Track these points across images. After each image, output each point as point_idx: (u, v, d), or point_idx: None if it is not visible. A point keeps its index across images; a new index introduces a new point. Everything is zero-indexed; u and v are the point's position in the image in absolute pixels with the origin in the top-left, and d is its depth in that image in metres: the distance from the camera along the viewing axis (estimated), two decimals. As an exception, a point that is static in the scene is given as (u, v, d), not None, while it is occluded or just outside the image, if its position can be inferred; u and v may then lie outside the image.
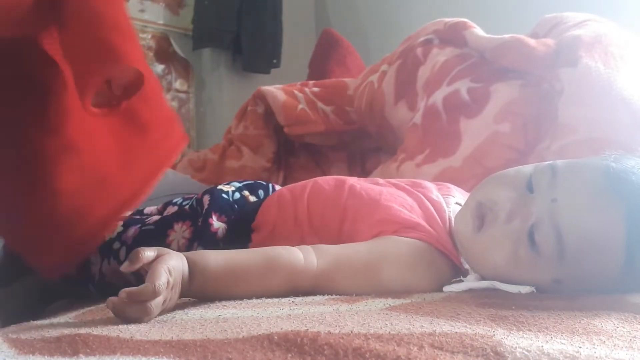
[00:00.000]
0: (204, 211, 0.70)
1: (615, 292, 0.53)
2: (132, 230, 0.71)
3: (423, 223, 0.61)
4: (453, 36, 1.15)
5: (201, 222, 0.69)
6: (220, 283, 0.53)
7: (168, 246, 0.68)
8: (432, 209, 0.64)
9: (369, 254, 0.59)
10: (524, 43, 1.00)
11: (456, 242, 0.62)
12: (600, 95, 0.89)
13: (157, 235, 0.69)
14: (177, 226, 0.69)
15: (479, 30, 1.12)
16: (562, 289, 0.55)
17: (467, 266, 0.60)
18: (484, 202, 0.59)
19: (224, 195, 0.71)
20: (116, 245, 0.70)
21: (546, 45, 0.99)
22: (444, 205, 0.66)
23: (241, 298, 0.53)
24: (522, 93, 0.99)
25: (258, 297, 0.54)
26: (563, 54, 0.96)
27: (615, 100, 0.88)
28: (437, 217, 0.64)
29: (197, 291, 0.53)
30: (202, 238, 0.68)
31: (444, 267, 0.60)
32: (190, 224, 0.69)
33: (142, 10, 2.26)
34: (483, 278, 0.59)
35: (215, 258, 0.54)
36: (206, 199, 0.72)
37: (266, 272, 0.55)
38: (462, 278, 0.60)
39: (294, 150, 1.44)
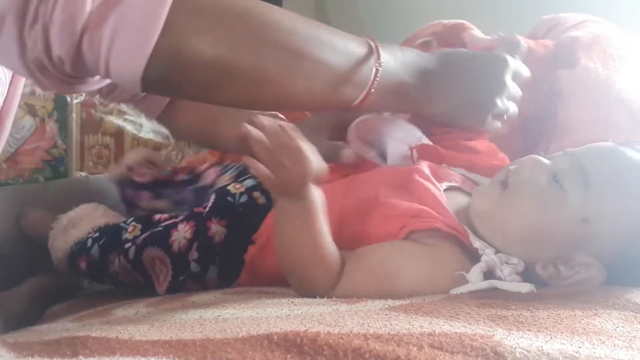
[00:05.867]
0: (204, 213, 0.70)
1: None
2: (146, 233, 0.71)
3: (426, 208, 0.60)
4: (451, 38, 1.15)
5: (201, 224, 0.68)
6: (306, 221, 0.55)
7: (170, 246, 0.68)
8: (432, 189, 0.63)
9: (386, 265, 0.57)
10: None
11: (471, 219, 0.61)
12: (599, 97, 0.90)
13: (163, 234, 0.69)
14: (181, 226, 0.69)
15: (477, 32, 1.12)
16: (590, 234, 0.56)
17: (476, 245, 0.58)
18: (504, 171, 0.61)
19: (229, 198, 0.70)
20: (128, 244, 0.71)
21: (545, 46, 0.99)
22: (440, 188, 0.64)
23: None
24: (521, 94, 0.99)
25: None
26: (562, 55, 0.96)
27: (614, 101, 0.88)
28: (437, 196, 0.62)
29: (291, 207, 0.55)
30: (200, 240, 0.68)
31: (455, 258, 0.58)
32: (194, 224, 0.69)
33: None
34: (496, 251, 0.57)
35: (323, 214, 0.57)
36: (211, 198, 0.71)
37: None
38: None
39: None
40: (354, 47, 0.59)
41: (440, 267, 0.57)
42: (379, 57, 0.59)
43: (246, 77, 0.54)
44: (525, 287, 0.53)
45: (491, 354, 0.35)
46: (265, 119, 0.55)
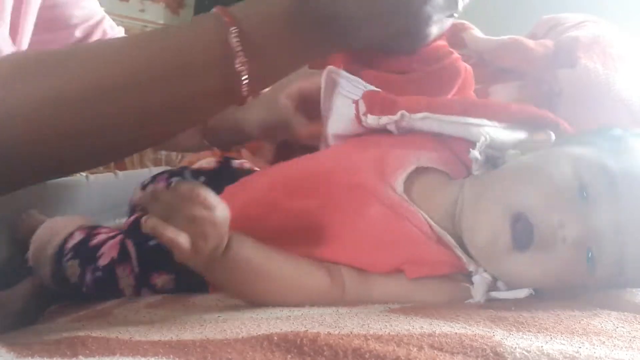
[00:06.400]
0: (136, 268, 0.64)
1: None
2: (87, 276, 0.67)
3: (404, 255, 0.54)
4: (451, 38, 1.14)
5: (143, 280, 0.64)
6: (249, 266, 0.51)
7: (121, 292, 0.65)
8: (405, 222, 0.54)
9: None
10: (523, 44, 1.00)
11: (468, 248, 0.54)
12: (599, 96, 0.90)
13: (109, 280, 0.65)
14: (120, 270, 0.65)
15: (477, 32, 1.12)
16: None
17: (471, 269, 0.54)
18: (525, 214, 0.49)
19: (151, 243, 0.62)
20: (84, 289, 0.68)
21: (545, 46, 0.99)
22: (407, 201, 0.55)
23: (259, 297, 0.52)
24: (521, 94, 0.99)
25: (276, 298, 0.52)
26: (561, 55, 0.96)
27: (614, 101, 0.88)
28: (412, 228, 0.54)
29: (225, 266, 0.50)
30: (149, 288, 0.64)
31: (456, 287, 0.54)
32: (131, 269, 0.65)
33: (142, 10, 2.26)
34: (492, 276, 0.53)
35: (254, 244, 0.52)
36: (131, 246, 0.65)
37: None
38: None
39: (293, 153, 1.43)
40: (204, 56, 0.47)
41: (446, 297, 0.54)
42: (238, 52, 0.47)
43: (97, 155, 0.49)
44: (523, 292, 0.52)
45: (491, 354, 0.35)
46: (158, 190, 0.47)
